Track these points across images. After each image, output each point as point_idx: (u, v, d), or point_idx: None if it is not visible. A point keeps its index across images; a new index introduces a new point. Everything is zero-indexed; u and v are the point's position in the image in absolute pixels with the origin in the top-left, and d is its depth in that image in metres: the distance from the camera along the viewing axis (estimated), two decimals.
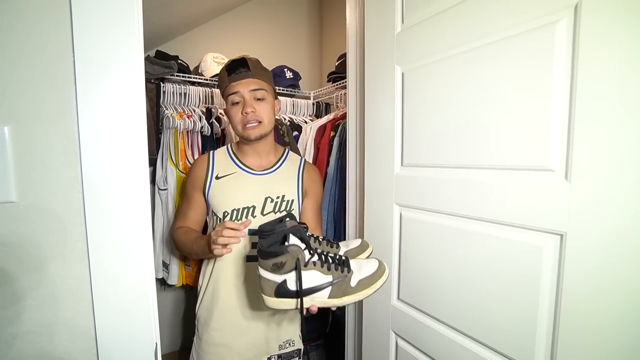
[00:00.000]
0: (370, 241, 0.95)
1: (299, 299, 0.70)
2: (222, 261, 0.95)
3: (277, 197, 0.98)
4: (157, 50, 1.62)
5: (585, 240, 0.50)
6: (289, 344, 1.00)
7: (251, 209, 0.95)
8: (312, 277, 0.71)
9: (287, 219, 0.76)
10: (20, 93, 0.48)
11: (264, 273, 0.71)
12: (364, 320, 1.01)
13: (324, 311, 1.97)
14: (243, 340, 0.95)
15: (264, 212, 0.97)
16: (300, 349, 1.03)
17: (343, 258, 0.75)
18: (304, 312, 0.73)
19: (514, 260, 0.60)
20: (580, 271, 0.51)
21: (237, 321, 0.95)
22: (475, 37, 0.65)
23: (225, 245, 0.80)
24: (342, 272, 0.72)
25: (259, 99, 0.94)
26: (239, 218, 0.94)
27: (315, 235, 0.84)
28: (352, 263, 0.75)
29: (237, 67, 0.94)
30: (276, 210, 0.98)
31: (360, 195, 1.06)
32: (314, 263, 0.71)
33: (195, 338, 1.01)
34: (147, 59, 1.48)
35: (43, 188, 0.50)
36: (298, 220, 0.84)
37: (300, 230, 0.72)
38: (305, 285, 0.70)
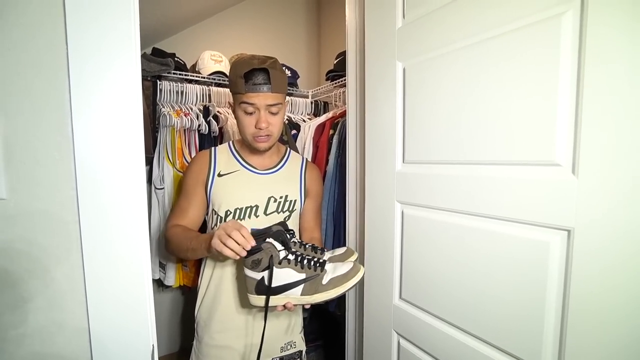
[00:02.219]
0: (372, 240, 0.94)
1: (267, 295, 0.74)
2: (224, 263, 0.93)
3: (280, 197, 0.97)
4: (154, 48, 1.60)
5: (594, 235, 0.49)
6: (291, 346, 0.99)
7: (254, 209, 0.94)
8: (286, 275, 0.75)
9: (276, 225, 0.79)
10: (10, 85, 0.46)
11: (247, 271, 0.76)
12: (365, 320, 0.99)
13: (318, 312, 1.93)
14: (245, 342, 0.94)
15: (267, 212, 0.95)
16: (302, 351, 1.02)
17: (320, 260, 0.78)
18: (281, 309, 0.78)
19: (520, 257, 0.59)
20: (589, 267, 0.50)
21: (239, 323, 0.93)
22: (478, 31, 0.64)
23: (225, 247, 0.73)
24: (315, 271, 0.76)
25: (273, 113, 0.90)
26: (241, 217, 0.93)
27: (302, 242, 0.86)
28: (329, 265, 0.78)
29: (257, 77, 0.85)
30: (279, 210, 0.97)
31: (361, 193, 1.04)
32: (288, 261, 0.75)
33: (194, 341, 0.98)
34: (144, 56, 1.46)
35: (34, 184, 0.48)
36: (289, 227, 0.84)
37: (282, 234, 0.76)
38: (279, 283, 0.74)
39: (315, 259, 0.78)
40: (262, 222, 0.92)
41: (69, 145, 0.50)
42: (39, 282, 0.49)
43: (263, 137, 0.90)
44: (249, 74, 0.85)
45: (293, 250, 0.78)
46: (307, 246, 0.86)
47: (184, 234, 0.90)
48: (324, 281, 0.75)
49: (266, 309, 0.76)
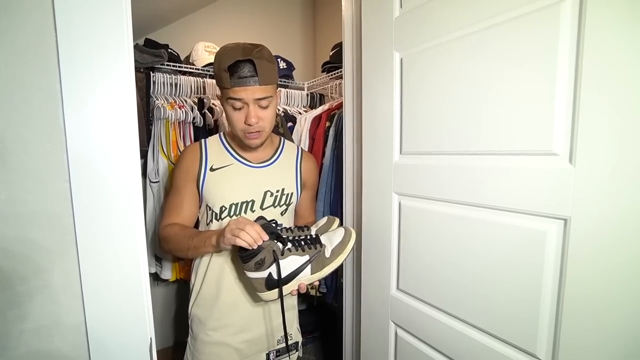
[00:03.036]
0: (369, 231, 0.94)
1: (279, 287, 0.77)
2: (218, 258, 0.91)
3: (277, 191, 0.95)
4: (147, 39, 1.57)
5: (590, 224, 0.50)
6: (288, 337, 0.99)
7: (250, 204, 0.92)
8: (292, 262, 0.78)
9: (257, 220, 0.80)
10: None
11: (251, 274, 0.78)
12: (363, 311, 1.00)
13: (319, 304, 1.94)
14: (241, 337, 0.93)
15: (264, 207, 0.94)
16: (298, 342, 1.02)
17: (314, 236, 0.83)
18: (295, 293, 0.82)
19: (516, 246, 0.59)
20: (585, 256, 0.51)
21: (235, 319, 0.93)
22: (476, 20, 0.63)
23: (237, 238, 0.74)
24: (316, 248, 0.80)
25: (263, 107, 0.85)
26: (237, 213, 0.91)
27: (286, 227, 0.89)
28: (323, 238, 0.84)
29: (243, 69, 0.80)
30: (276, 204, 0.95)
31: (358, 185, 1.04)
32: (289, 250, 0.78)
33: (189, 338, 0.97)
34: (136, 47, 1.43)
35: (26, 177, 0.47)
36: (267, 218, 0.85)
37: (270, 227, 0.79)
38: (287, 272, 0.78)
39: (309, 237, 0.82)
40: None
41: (60, 136, 0.48)
42: (33, 277, 0.48)
43: (254, 134, 0.87)
44: (233, 67, 0.80)
45: (284, 236, 0.80)
46: (293, 229, 0.88)
47: (183, 232, 0.87)
48: (327, 254, 0.80)
49: (282, 300, 0.78)
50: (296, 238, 0.81)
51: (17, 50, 0.45)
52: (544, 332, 0.56)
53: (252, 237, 0.72)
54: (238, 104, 0.83)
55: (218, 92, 0.90)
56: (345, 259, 0.81)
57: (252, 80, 0.81)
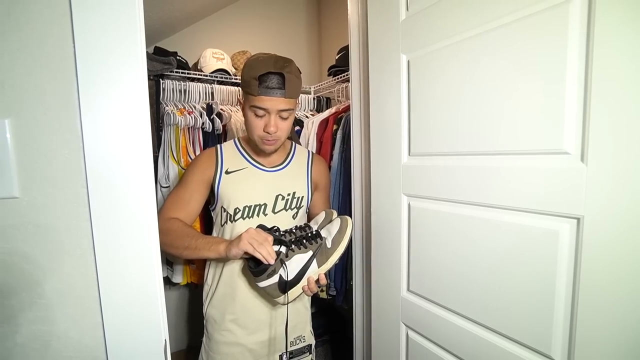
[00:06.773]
0: (378, 233, 0.94)
1: (285, 288, 0.81)
2: (231, 261, 0.93)
3: (288, 195, 0.97)
4: (156, 47, 1.60)
5: (604, 222, 0.49)
6: (300, 340, 0.99)
7: (263, 207, 0.94)
8: (298, 261, 0.82)
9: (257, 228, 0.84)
10: (19, 85, 0.47)
11: (264, 283, 0.81)
12: (373, 313, 1.00)
13: (325, 307, 1.94)
14: (255, 338, 0.94)
15: (276, 210, 0.95)
16: (311, 344, 1.03)
17: (314, 231, 0.86)
18: (307, 289, 0.84)
19: (529, 246, 0.59)
20: (599, 255, 0.50)
21: (249, 320, 0.94)
22: (484, 21, 0.63)
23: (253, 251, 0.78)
24: (317, 242, 0.84)
25: (284, 118, 0.89)
26: (250, 215, 0.93)
27: (287, 230, 0.90)
28: (322, 231, 0.87)
29: (272, 80, 0.84)
30: (287, 207, 0.97)
31: (366, 187, 1.04)
32: (293, 250, 0.82)
33: (204, 338, 0.99)
34: (147, 55, 1.46)
35: (46, 182, 0.49)
36: (267, 226, 0.89)
37: (272, 235, 0.82)
38: (295, 271, 0.81)
39: (309, 234, 0.85)
40: (270, 221, 0.92)
41: (78, 143, 0.50)
42: (54, 279, 0.50)
43: (270, 141, 0.90)
44: (263, 77, 0.83)
45: (287, 240, 0.83)
46: (294, 230, 0.89)
47: (185, 230, 0.88)
48: (329, 245, 0.84)
49: (287, 300, 0.82)
50: (297, 238, 0.84)
51: (38, 62, 0.47)
52: (559, 333, 0.56)
53: (269, 252, 0.77)
54: (261, 112, 0.87)
55: (240, 96, 0.92)
56: (347, 245, 0.85)
57: (279, 92, 0.85)
